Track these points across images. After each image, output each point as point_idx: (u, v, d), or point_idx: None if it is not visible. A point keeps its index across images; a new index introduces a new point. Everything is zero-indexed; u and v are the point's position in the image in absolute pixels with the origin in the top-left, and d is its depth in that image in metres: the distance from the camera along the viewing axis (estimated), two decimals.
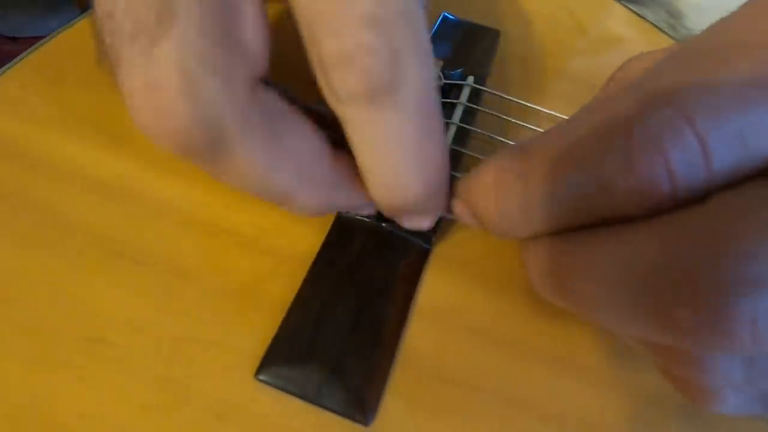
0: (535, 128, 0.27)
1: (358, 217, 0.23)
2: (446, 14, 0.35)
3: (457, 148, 0.25)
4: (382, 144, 0.15)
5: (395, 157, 0.15)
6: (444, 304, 0.21)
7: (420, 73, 0.14)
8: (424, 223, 0.19)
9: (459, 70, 0.29)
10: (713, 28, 0.13)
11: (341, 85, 0.13)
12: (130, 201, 0.22)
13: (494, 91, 0.29)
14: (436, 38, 0.33)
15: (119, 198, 0.22)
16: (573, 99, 0.31)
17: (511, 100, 0.29)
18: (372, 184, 0.16)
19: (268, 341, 0.19)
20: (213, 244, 0.21)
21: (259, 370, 0.19)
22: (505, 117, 0.28)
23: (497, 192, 0.14)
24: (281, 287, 0.21)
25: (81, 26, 0.28)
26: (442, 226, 0.23)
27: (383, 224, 0.23)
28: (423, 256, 0.22)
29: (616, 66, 0.20)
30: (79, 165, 0.23)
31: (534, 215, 0.14)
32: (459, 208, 0.17)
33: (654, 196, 0.12)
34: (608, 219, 0.13)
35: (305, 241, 0.22)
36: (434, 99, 0.15)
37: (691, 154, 0.11)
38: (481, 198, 0.15)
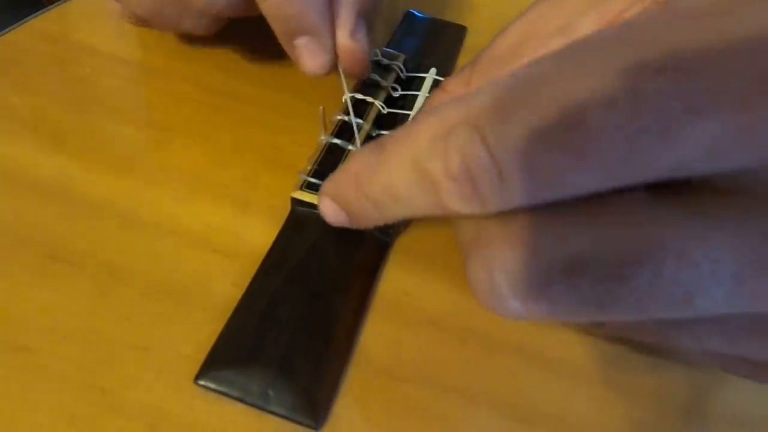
0: None
1: (315, 212, 0.22)
2: (412, 11, 0.34)
3: None
4: None
5: None
6: (404, 299, 0.20)
7: None
8: (317, 58, 0.21)
9: (422, 64, 0.29)
10: None
11: None
12: (68, 201, 0.21)
13: None
14: (401, 35, 0.32)
15: (56, 199, 0.21)
16: None
17: None
18: None
19: (210, 344, 0.18)
20: (156, 244, 0.20)
21: (199, 375, 0.17)
22: None
23: (358, 179, 0.15)
24: (229, 286, 0.19)
25: (18, 30, 0.27)
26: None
27: None
28: (382, 249, 0.21)
29: None
30: (13, 165, 0.21)
31: (397, 201, 0.14)
32: (325, 203, 0.17)
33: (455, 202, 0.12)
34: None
35: (256, 238, 0.21)
36: None
37: (487, 175, 0.11)
38: (346, 187, 0.16)
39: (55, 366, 0.17)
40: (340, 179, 0.16)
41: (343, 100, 0.26)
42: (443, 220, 0.16)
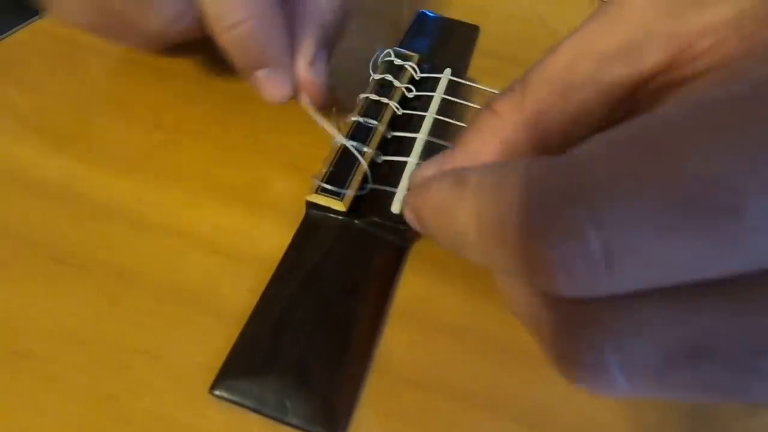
0: None
1: (330, 215, 0.21)
2: (424, 11, 0.33)
3: (434, 139, 0.24)
4: None
5: None
6: (423, 305, 0.19)
7: None
8: (278, 89, 0.21)
9: (436, 64, 0.28)
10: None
11: None
12: (75, 203, 0.20)
13: (472, 83, 0.27)
14: (413, 34, 0.32)
15: (63, 200, 0.20)
16: None
17: (492, 92, 0.27)
18: (210, 22, 0.19)
19: (225, 352, 0.17)
20: (165, 247, 0.19)
21: (215, 384, 0.16)
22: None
23: (438, 211, 0.14)
24: (242, 292, 0.19)
25: (24, 30, 0.27)
26: None
27: (356, 221, 0.21)
28: (399, 254, 0.21)
29: None
30: (19, 166, 0.21)
31: (469, 250, 0.13)
32: (407, 212, 0.17)
33: (550, 286, 0.10)
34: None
35: (269, 241, 0.20)
36: None
37: (591, 264, 0.10)
38: (425, 213, 0.15)
39: (62, 373, 0.16)
40: (418, 198, 0.15)
41: (337, 132, 0.25)
42: None
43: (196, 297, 0.18)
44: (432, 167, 0.18)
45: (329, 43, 0.23)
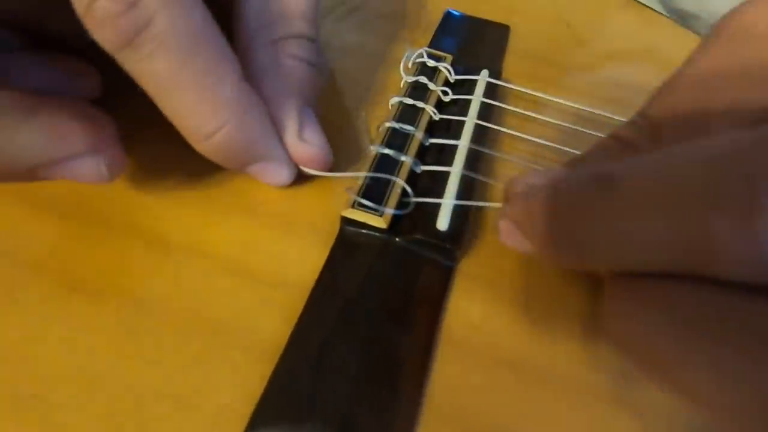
0: (572, 126, 0.23)
1: (366, 232, 0.19)
2: (450, 10, 0.31)
3: (477, 147, 0.22)
4: (162, 89, 0.15)
5: (179, 100, 0.15)
6: (477, 333, 0.17)
7: (167, 11, 0.14)
8: (278, 175, 0.19)
9: (470, 66, 0.26)
10: None
11: (100, 41, 0.14)
12: (86, 222, 0.18)
13: (514, 86, 0.25)
14: (440, 34, 0.30)
15: (73, 219, 0.18)
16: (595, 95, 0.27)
17: (538, 96, 0.25)
18: (183, 133, 0.16)
19: (256, 391, 0.15)
20: (186, 270, 0.17)
21: None
22: (532, 114, 0.24)
23: (566, 220, 0.12)
24: (273, 321, 0.17)
25: None
26: (469, 238, 0.19)
27: (396, 239, 0.19)
28: (446, 275, 0.18)
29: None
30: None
31: (606, 253, 0.12)
32: (509, 230, 0.15)
33: None
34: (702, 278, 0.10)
35: (302, 262, 0.18)
36: (198, 35, 0.15)
37: None
38: (544, 219, 0.13)
39: (72, 420, 0.14)
40: (537, 208, 0.14)
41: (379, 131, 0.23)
42: None
43: (222, 328, 0.16)
44: (537, 177, 0.16)
45: (311, 101, 0.20)
